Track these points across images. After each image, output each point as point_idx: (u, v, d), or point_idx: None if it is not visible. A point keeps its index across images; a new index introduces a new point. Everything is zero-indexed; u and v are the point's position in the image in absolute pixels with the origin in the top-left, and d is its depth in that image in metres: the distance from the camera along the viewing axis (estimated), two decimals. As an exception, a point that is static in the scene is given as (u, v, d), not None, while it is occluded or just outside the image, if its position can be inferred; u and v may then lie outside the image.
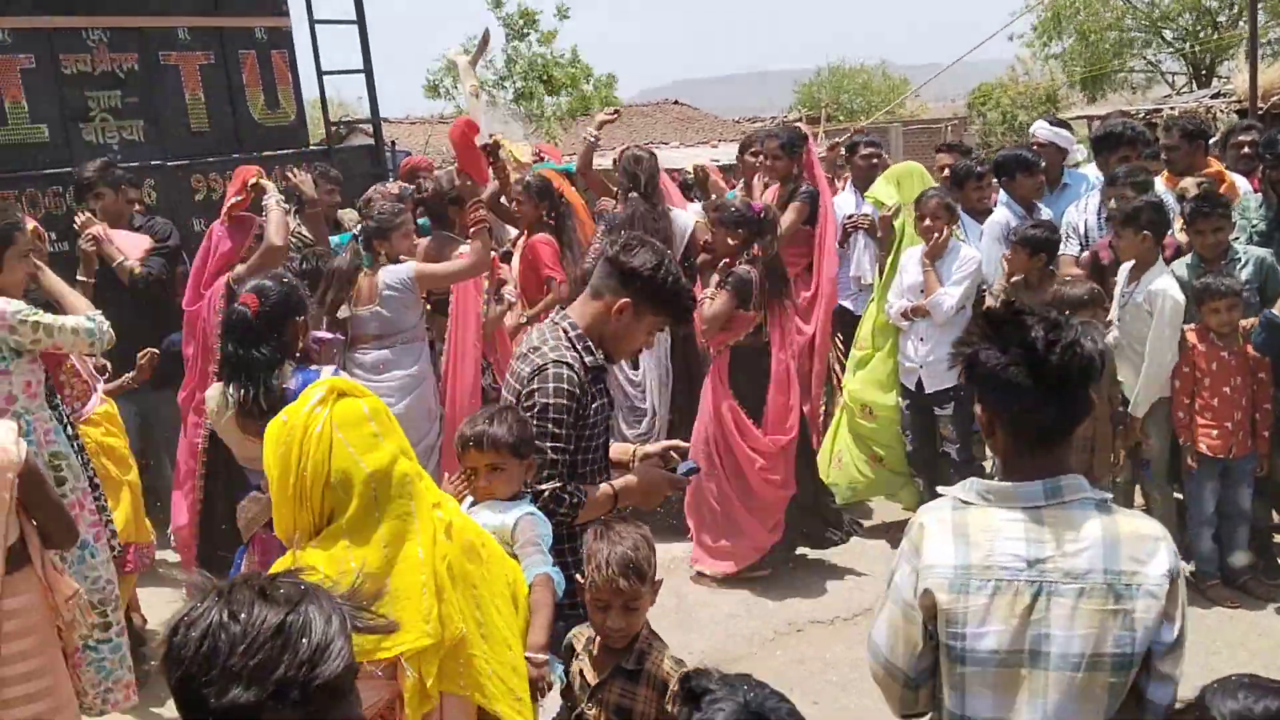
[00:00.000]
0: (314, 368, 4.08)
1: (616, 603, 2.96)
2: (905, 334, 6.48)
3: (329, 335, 4.90)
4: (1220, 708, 2.02)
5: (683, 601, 6.01)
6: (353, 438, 2.59)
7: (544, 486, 3.28)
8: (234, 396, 3.93)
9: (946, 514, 2.38)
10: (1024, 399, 2.28)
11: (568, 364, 3.32)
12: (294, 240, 6.13)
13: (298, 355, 4.11)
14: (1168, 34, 31.79)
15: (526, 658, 2.93)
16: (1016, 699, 2.27)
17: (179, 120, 7.66)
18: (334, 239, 6.73)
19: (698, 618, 5.84)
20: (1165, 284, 5.56)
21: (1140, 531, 2.29)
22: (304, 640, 1.55)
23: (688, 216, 7.26)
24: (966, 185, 7.08)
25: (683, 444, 4.01)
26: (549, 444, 3.29)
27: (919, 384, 6.34)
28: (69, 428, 4.50)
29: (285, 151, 8.18)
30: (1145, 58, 32.97)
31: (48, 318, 4.29)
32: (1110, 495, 2.37)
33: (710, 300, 5.96)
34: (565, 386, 3.29)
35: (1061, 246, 6.38)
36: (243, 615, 1.56)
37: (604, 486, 3.48)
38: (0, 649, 3.09)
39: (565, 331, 3.41)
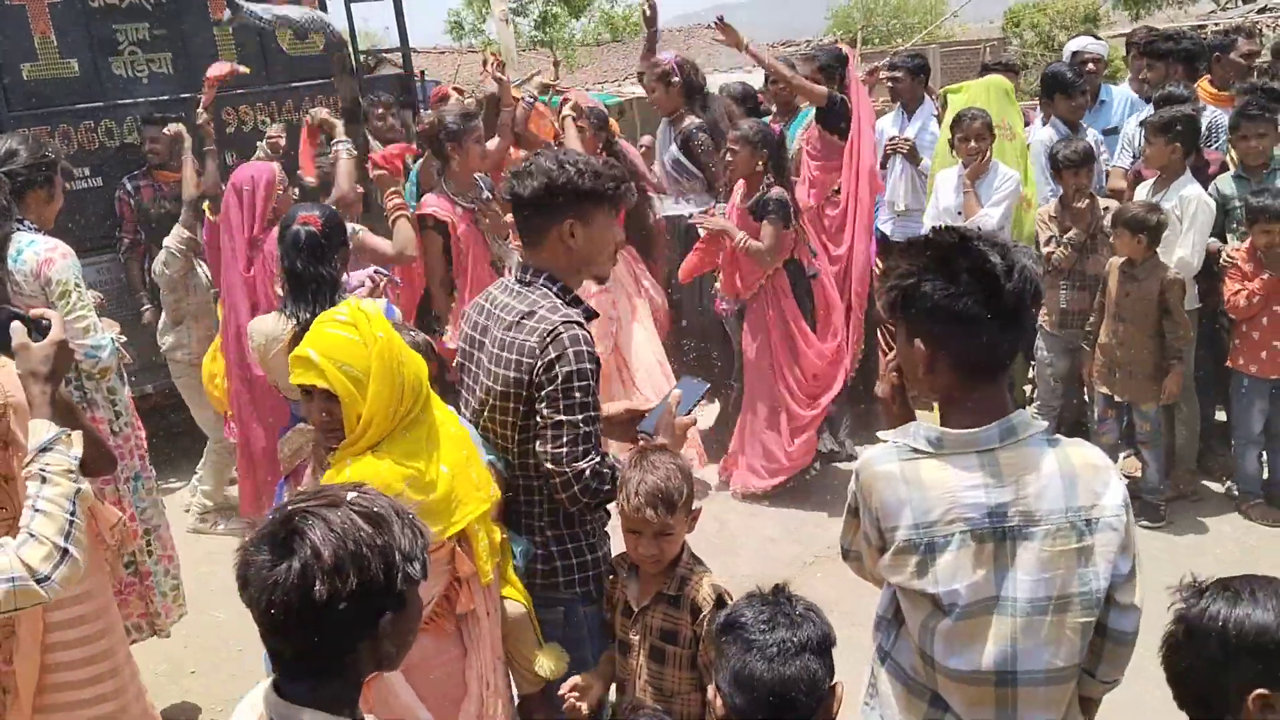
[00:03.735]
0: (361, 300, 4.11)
1: (647, 530, 2.93)
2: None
3: (387, 273, 4.86)
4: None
5: (724, 526, 6.03)
6: (402, 344, 2.76)
7: (582, 465, 2.95)
8: (301, 317, 3.92)
9: (894, 467, 2.24)
10: (977, 330, 2.14)
11: (577, 323, 3.01)
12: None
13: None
14: (1213, -54, 30.90)
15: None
16: (984, 648, 2.20)
17: (207, 52, 7.56)
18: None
19: (739, 541, 5.86)
20: (1194, 190, 5.60)
21: (1092, 462, 2.21)
22: (418, 524, 1.88)
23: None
24: (1056, 97, 6.92)
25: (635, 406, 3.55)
26: (580, 415, 2.96)
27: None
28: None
29: (315, 82, 8.09)
30: (1190, -29, 32.10)
31: (83, 301, 4.17)
32: (1047, 424, 2.26)
33: (747, 241, 5.97)
34: (585, 349, 2.97)
35: (1115, 157, 6.27)
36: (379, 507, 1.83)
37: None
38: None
39: (547, 289, 3.09)
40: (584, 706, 3.05)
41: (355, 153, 5.80)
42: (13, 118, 6.62)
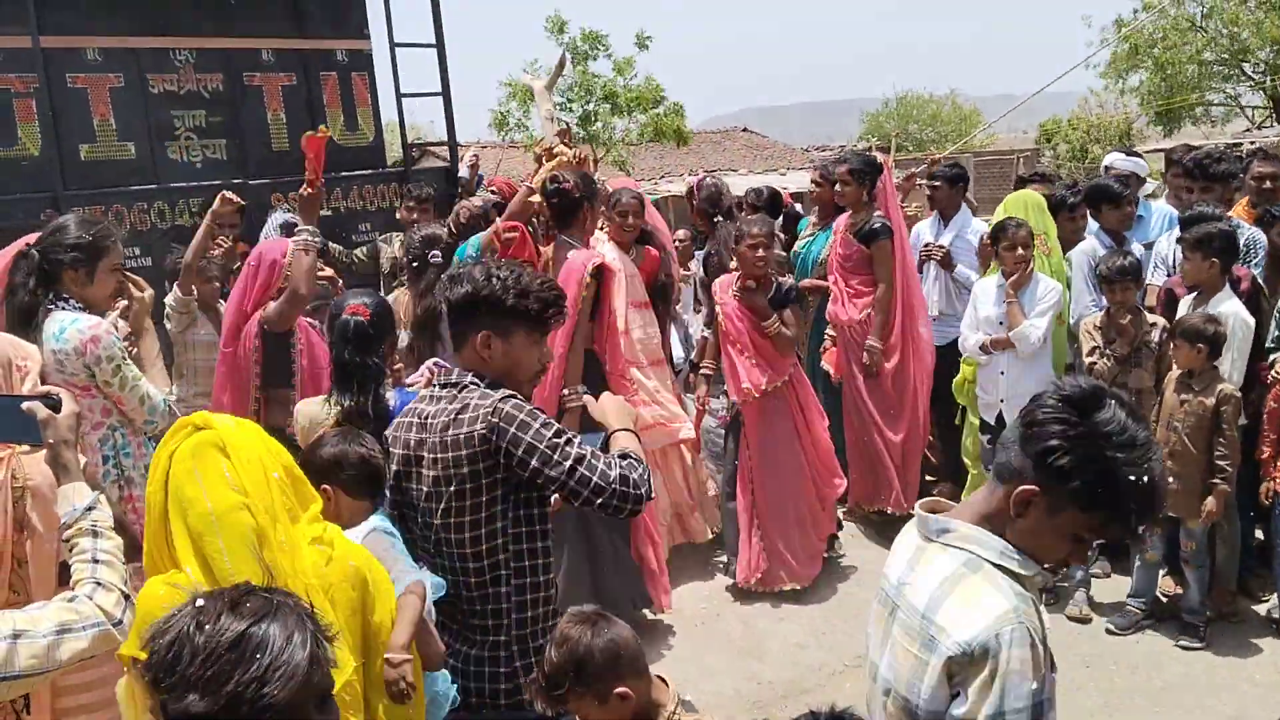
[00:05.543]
0: (410, 389, 4.11)
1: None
2: (984, 369, 6.37)
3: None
4: None
5: (751, 630, 5.95)
6: (201, 467, 2.49)
7: (613, 474, 2.94)
8: (345, 404, 3.95)
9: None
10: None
11: (512, 395, 3.00)
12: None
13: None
14: (1247, 67, 31.26)
15: (385, 658, 2.79)
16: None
17: (261, 140, 7.79)
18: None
19: (767, 647, 5.77)
20: (1233, 307, 5.57)
21: (978, 600, 2.14)
22: (258, 656, 1.59)
23: None
24: (1060, 215, 6.95)
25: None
26: (572, 449, 2.93)
27: (999, 419, 6.21)
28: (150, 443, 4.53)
29: (363, 172, 8.29)
30: (1224, 91, 32.46)
31: (132, 371, 4.25)
32: (998, 561, 2.19)
33: (779, 325, 6.10)
34: (528, 407, 2.97)
35: (1148, 276, 6.27)
36: (208, 626, 1.62)
37: (615, 437, 3.15)
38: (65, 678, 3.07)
39: (475, 386, 3.04)
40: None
41: (316, 243, 5.21)
42: (68, 196, 6.78)
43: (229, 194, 5.86)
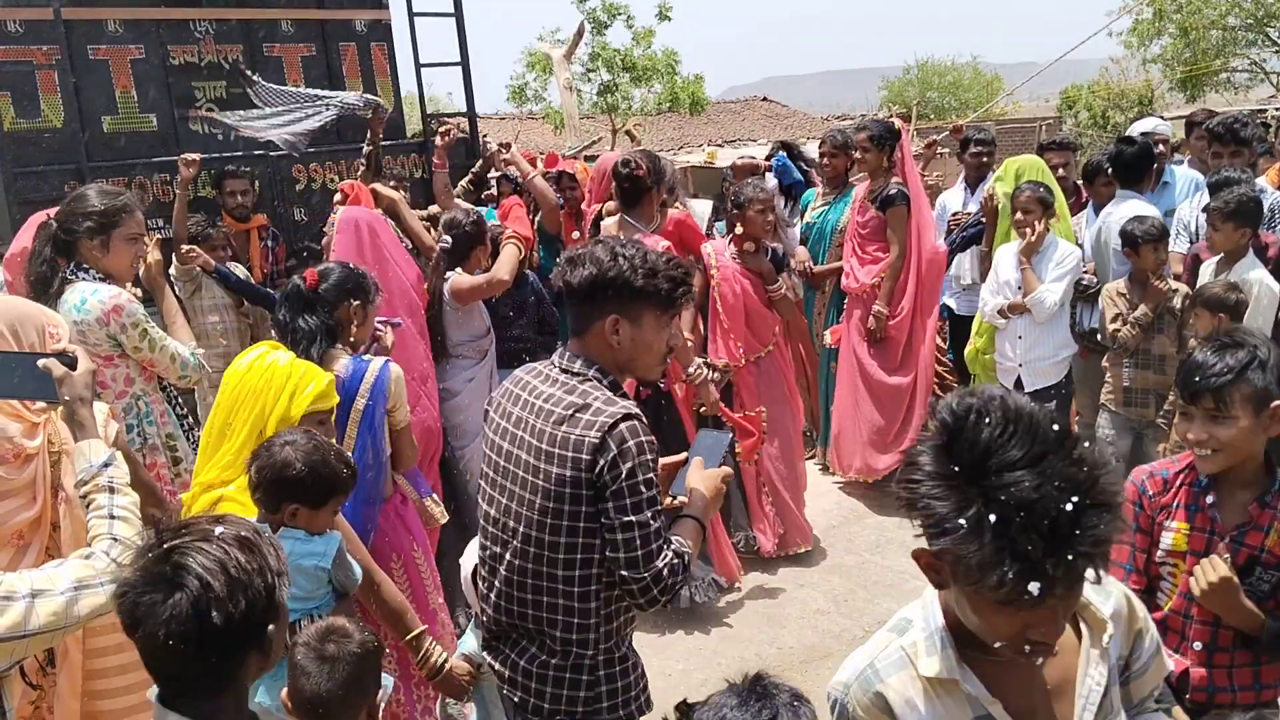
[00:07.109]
0: (366, 358, 4.05)
1: None
2: (1002, 332, 6.37)
3: (388, 319, 4.77)
4: None
5: (772, 597, 5.99)
6: None
7: (659, 564, 2.73)
8: None
9: None
10: None
11: (635, 415, 2.78)
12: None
13: (352, 342, 4.10)
14: (1272, 32, 30.86)
15: None
16: None
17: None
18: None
19: (787, 613, 5.81)
20: (1259, 274, 5.53)
21: (854, 656, 2.08)
22: (276, 542, 2.05)
23: (704, 205, 7.32)
24: (1097, 180, 6.91)
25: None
26: (649, 512, 2.73)
27: (1018, 383, 6.23)
28: (179, 407, 4.57)
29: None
30: (1249, 57, 32.06)
31: (158, 333, 4.32)
32: (918, 638, 2.02)
33: (785, 289, 6.28)
34: (645, 440, 2.75)
35: (1171, 242, 6.23)
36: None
37: (686, 522, 2.94)
38: (97, 639, 3.05)
39: (598, 381, 2.87)
40: None
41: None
42: (92, 168, 6.81)
43: (190, 156, 6.42)
